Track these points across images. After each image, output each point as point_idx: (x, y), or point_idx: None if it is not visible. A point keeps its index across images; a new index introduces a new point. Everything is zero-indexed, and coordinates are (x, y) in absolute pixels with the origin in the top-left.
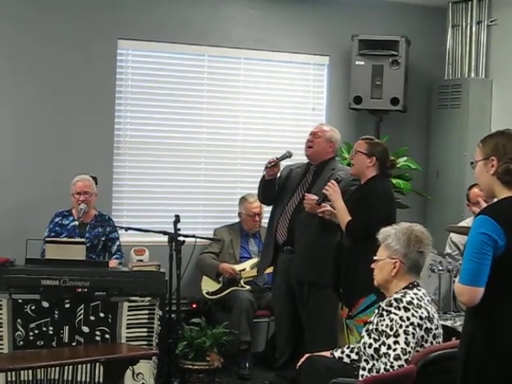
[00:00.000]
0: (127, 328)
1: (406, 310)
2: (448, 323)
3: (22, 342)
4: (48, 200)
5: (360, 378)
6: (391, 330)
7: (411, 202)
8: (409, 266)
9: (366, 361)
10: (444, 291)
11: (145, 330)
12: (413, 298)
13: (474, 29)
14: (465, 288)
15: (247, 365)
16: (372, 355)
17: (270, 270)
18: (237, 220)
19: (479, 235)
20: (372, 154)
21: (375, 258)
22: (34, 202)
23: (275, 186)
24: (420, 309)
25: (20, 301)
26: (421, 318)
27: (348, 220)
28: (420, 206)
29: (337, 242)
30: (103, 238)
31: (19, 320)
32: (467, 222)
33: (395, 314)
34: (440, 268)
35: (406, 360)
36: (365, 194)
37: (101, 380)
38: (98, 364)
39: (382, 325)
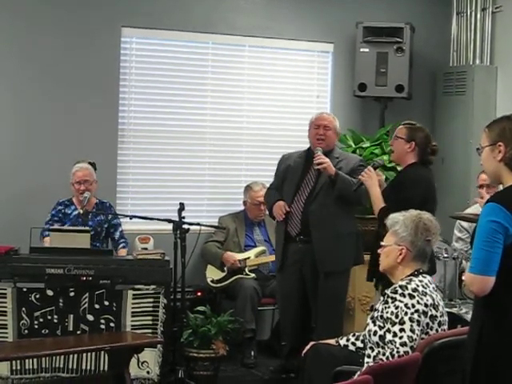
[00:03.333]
0: (132, 316)
1: (411, 297)
2: (454, 310)
3: (26, 331)
4: (52, 188)
5: (365, 366)
6: (396, 317)
7: None
8: (415, 253)
9: (371, 348)
10: (449, 278)
11: (149, 318)
12: (418, 286)
13: (478, 16)
14: (475, 277)
15: (252, 353)
16: (377, 343)
17: (272, 258)
18: (242, 208)
19: (489, 223)
20: (411, 139)
21: (382, 243)
22: (37, 191)
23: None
24: (425, 296)
25: (24, 289)
26: (426, 306)
27: (381, 207)
28: None
29: (356, 228)
30: (106, 226)
31: (24, 308)
32: (472, 209)
33: (400, 301)
34: (445, 255)
35: (411, 347)
36: (400, 180)
37: (106, 368)
38: (102, 352)
39: (387, 312)
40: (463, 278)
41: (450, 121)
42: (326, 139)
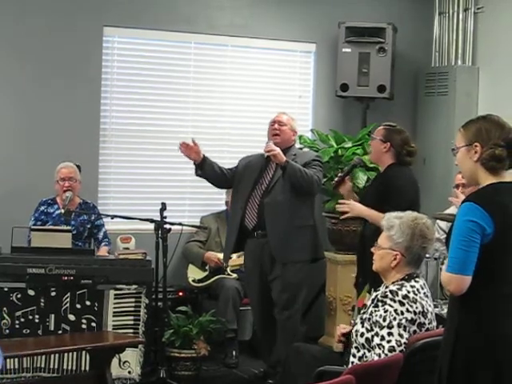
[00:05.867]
0: (113, 316)
1: (401, 304)
2: (435, 311)
3: (7, 331)
4: (34, 188)
5: (350, 365)
6: (384, 320)
7: None
8: (409, 259)
9: (356, 348)
10: (431, 279)
11: (131, 318)
12: (409, 292)
13: (460, 16)
14: (452, 276)
15: (234, 353)
16: (363, 344)
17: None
18: (224, 208)
19: (466, 222)
20: (387, 139)
21: (376, 243)
22: (19, 190)
23: (212, 165)
24: (415, 303)
25: (6, 289)
26: (415, 313)
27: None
28: None
29: (313, 221)
30: (89, 226)
31: (5, 308)
32: (451, 210)
33: (390, 305)
34: (427, 256)
35: (400, 351)
36: (387, 183)
37: (87, 368)
38: (84, 352)
39: (376, 315)
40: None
41: (431, 121)
42: (281, 134)
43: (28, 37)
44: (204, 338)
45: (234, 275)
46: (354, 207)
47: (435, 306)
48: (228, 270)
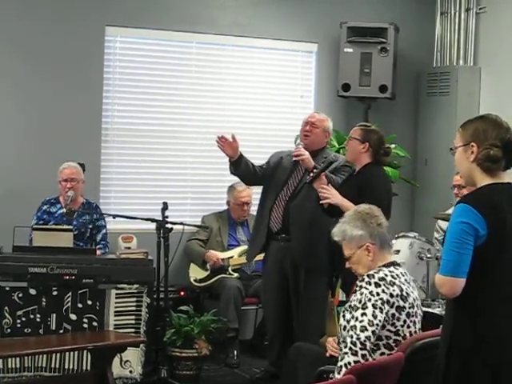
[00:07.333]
0: (115, 315)
1: (377, 285)
2: (436, 310)
3: (9, 330)
4: (36, 187)
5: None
6: (360, 302)
7: (399, 189)
8: (379, 242)
9: (343, 342)
10: (432, 278)
11: (132, 317)
12: (386, 275)
13: (462, 16)
14: (445, 279)
15: (235, 352)
16: (345, 337)
17: (259, 257)
18: (225, 207)
19: (459, 224)
20: (365, 140)
21: (346, 256)
22: (21, 189)
23: (247, 164)
24: (392, 286)
25: (7, 288)
26: (391, 296)
27: None
28: (408, 193)
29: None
30: (90, 226)
31: (6, 307)
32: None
33: (366, 288)
34: (428, 255)
35: (373, 332)
36: (366, 182)
37: (88, 367)
38: (85, 352)
39: (354, 300)
40: None
41: (433, 121)
42: (311, 136)
43: (30, 36)
44: (205, 337)
45: (236, 274)
46: (336, 196)
47: (436, 306)
48: (229, 269)
